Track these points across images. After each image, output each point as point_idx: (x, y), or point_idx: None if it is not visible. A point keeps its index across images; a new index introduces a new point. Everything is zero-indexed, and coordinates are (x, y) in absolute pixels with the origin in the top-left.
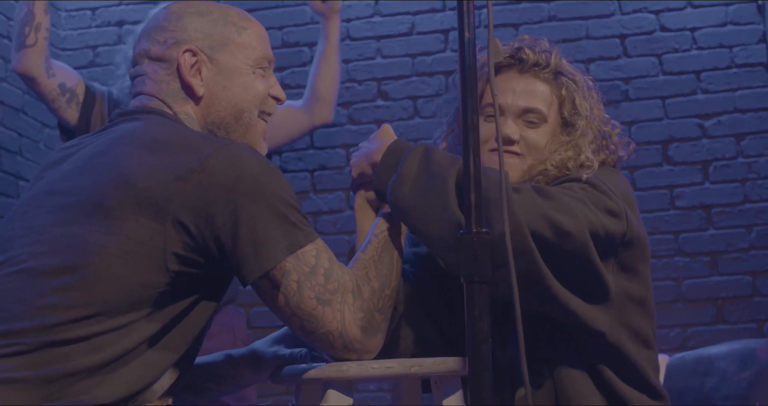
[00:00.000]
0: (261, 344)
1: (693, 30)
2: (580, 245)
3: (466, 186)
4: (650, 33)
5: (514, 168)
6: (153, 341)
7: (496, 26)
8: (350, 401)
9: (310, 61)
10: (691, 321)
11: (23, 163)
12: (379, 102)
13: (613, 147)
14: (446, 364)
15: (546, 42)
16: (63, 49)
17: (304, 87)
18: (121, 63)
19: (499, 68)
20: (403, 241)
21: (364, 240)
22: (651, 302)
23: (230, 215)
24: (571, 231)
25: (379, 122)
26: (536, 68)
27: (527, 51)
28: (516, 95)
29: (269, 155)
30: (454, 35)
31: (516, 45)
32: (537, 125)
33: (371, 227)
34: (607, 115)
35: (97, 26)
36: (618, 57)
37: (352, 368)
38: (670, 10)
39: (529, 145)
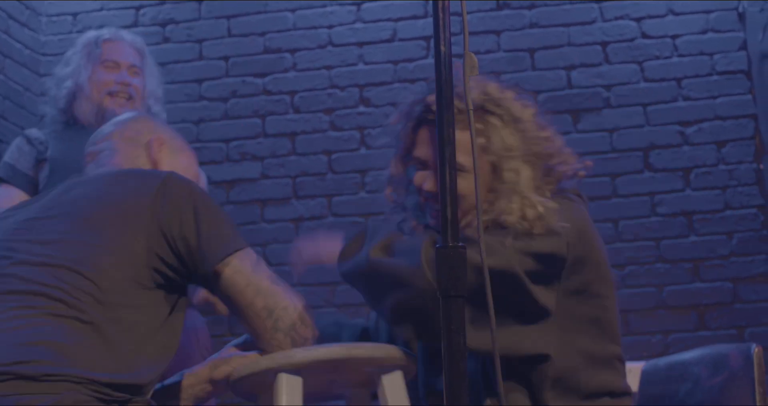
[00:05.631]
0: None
1: (674, 37)
2: (509, 279)
3: (443, 200)
4: (632, 40)
5: None
6: (155, 339)
7: (478, 33)
8: (300, 380)
9: (293, 67)
10: (672, 327)
11: None
12: (361, 108)
13: (560, 172)
14: (385, 349)
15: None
16: (44, 55)
17: (285, 93)
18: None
19: (418, 123)
20: None
21: None
22: (613, 322)
23: (193, 215)
24: (495, 268)
25: (361, 129)
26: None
27: None
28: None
29: None
30: None
31: (429, 99)
32: (461, 173)
33: None
34: (545, 134)
35: (78, 31)
36: (599, 64)
37: (299, 353)
38: (651, 17)
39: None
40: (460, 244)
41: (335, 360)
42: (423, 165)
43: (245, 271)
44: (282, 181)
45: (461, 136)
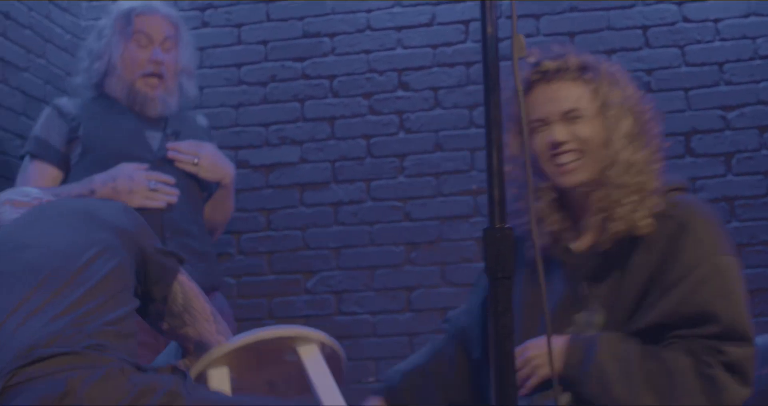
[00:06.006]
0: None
1: (716, 21)
2: None
3: (490, 182)
4: (673, 24)
5: (580, 170)
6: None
7: (518, 17)
8: (226, 369)
9: (331, 52)
10: None
11: None
12: (400, 93)
13: (655, 133)
14: (294, 329)
15: (556, 45)
16: (84, 39)
17: (324, 78)
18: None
19: (529, 86)
20: None
21: None
22: None
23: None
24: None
25: (400, 113)
26: (560, 73)
27: (545, 63)
28: (551, 103)
29: None
30: (474, 26)
31: (532, 60)
32: (580, 119)
33: None
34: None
35: None
36: (640, 48)
37: (216, 349)
38: (692, 0)
39: (581, 140)
40: (507, 225)
41: (248, 345)
42: (544, 123)
43: (192, 280)
44: (321, 166)
45: (570, 87)
